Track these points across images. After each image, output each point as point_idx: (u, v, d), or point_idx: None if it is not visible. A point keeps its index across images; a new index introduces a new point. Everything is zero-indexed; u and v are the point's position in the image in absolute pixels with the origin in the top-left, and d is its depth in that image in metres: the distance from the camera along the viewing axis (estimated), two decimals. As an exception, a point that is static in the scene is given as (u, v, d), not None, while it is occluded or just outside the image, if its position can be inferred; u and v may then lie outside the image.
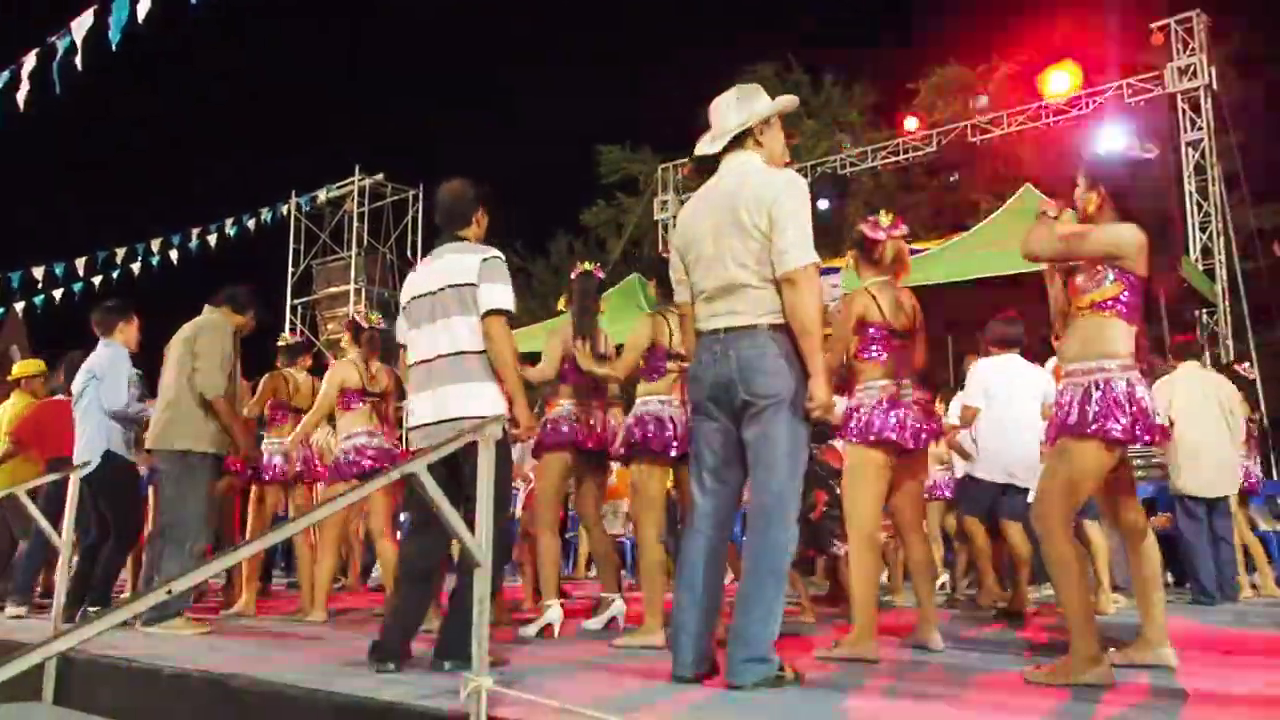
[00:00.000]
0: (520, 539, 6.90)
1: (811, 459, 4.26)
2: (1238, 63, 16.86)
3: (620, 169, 22.22)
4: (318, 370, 6.65)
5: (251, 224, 17.41)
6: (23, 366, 7.31)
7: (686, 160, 17.22)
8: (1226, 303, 12.13)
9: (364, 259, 18.17)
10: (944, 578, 7.68)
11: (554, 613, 4.66)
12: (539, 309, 19.13)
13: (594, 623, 4.94)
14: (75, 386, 5.74)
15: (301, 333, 17.96)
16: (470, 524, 2.63)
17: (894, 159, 15.55)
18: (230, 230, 16.99)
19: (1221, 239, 12.23)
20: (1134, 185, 3.35)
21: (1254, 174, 14.48)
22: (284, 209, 18.47)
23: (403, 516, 10.71)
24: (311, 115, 30.92)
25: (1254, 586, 7.45)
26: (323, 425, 6.85)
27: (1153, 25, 12.83)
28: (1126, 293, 3.27)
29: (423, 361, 3.71)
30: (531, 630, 4.63)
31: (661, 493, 4.37)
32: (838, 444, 5.22)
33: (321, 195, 18.92)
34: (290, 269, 19.23)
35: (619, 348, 4.80)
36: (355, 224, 18.49)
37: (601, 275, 5.16)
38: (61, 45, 7.22)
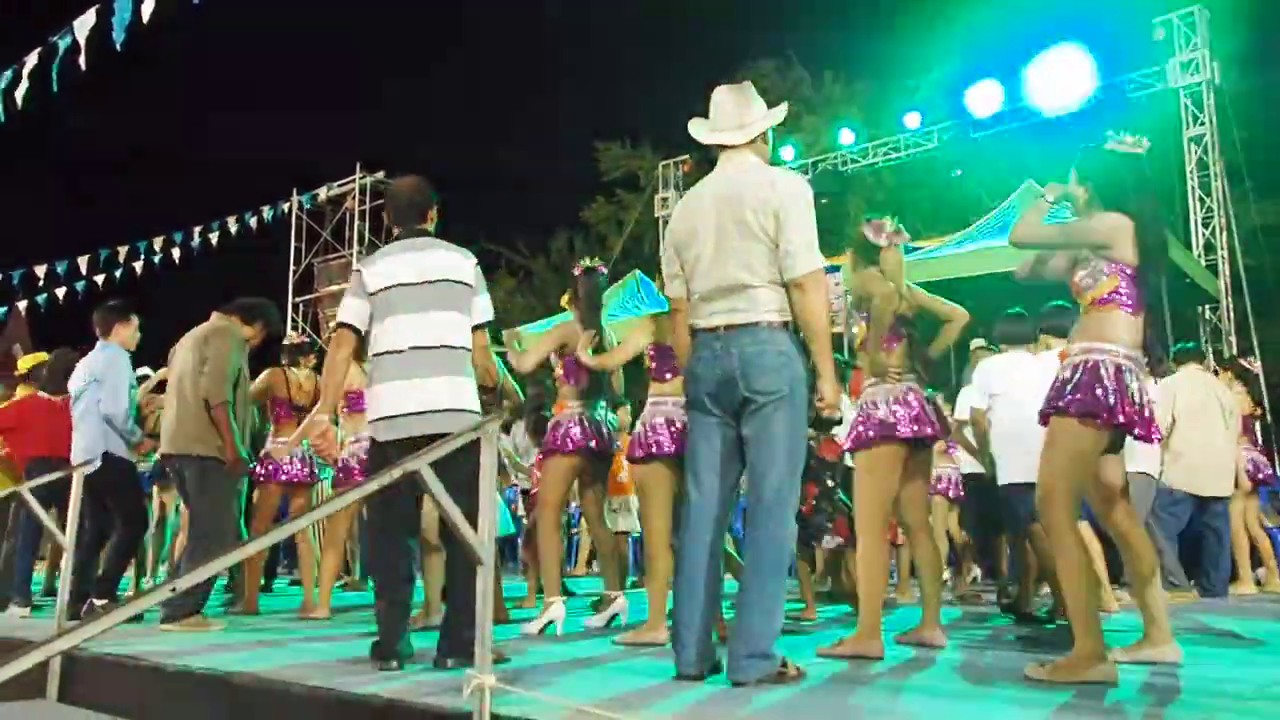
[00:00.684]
0: (525, 536, 6.90)
1: (807, 451, 4.26)
2: (1240, 57, 16.86)
3: (621, 166, 22.25)
4: (318, 369, 6.64)
5: (253, 222, 17.44)
6: (29, 362, 7.30)
7: (686, 157, 17.23)
8: (1229, 298, 12.13)
9: (365, 257, 18.18)
10: (945, 575, 7.67)
11: (556, 610, 4.66)
12: (539, 306, 19.15)
13: (597, 620, 4.94)
14: (73, 388, 5.73)
15: (304, 331, 17.98)
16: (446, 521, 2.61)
17: (895, 155, 15.55)
18: (232, 228, 17.02)
19: (1224, 234, 12.23)
20: (1122, 180, 3.35)
21: (1257, 169, 14.48)
22: (285, 207, 18.50)
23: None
24: (313, 113, 30.94)
25: (1258, 582, 7.45)
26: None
27: (1155, 20, 12.81)
28: (1124, 284, 3.27)
29: (400, 351, 3.62)
30: (534, 627, 4.63)
31: (671, 492, 4.36)
32: (838, 435, 5.21)
33: (323, 193, 18.97)
34: (292, 267, 19.28)
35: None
36: (356, 222, 18.52)
37: (605, 271, 5.15)
38: (63, 44, 7.22)
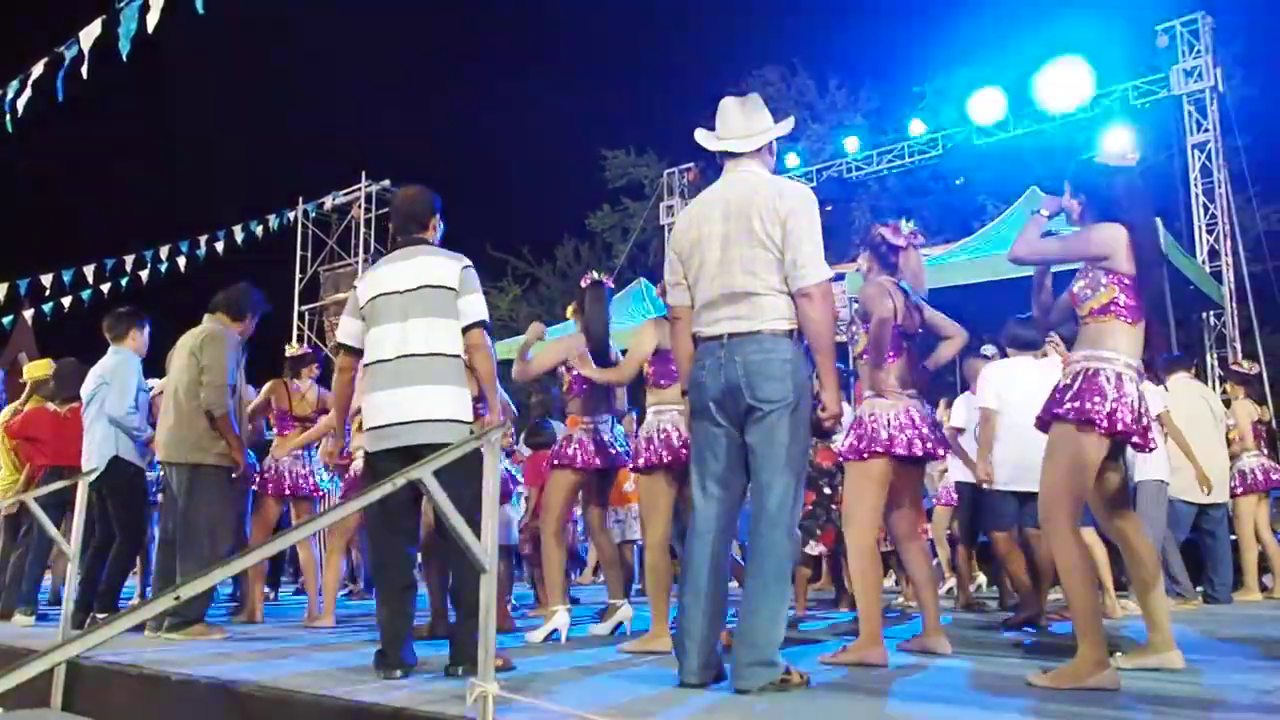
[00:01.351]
0: (530, 544, 6.89)
1: None
2: (1243, 64, 16.85)
3: (626, 174, 22.27)
4: (325, 379, 6.64)
5: (259, 230, 17.49)
6: (36, 368, 7.32)
7: (692, 165, 17.25)
8: (1234, 305, 12.11)
9: (371, 265, 18.20)
10: (951, 583, 7.66)
11: (561, 618, 4.67)
12: (545, 314, 19.15)
13: (601, 628, 4.94)
14: (85, 392, 5.76)
15: (309, 339, 18.01)
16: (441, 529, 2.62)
17: (899, 162, 15.56)
18: (238, 236, 17.07)
19: (1228, 241, 12.21)
20: (1114, 192, 3.36)
21: (1260, 176, 14.47)
22: (291, 215, 18.55)
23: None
24: (318, 121, 31.06)
25: (1265, 589, 7.42)
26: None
27: (1158, 27, 12.82)
28: (1122, 294, 3.28)
29: (386, 360, 3.63)
30: (538, 635, 4.63)
31: (670, 501, 4.36)
32: (835, 442, 5.21)
33: (328, 201, 19.00)
34: (298, 275, 19.30)
35: (624, 352, 4.80)
36: (362, 230, 18.56)
37: (611, 285, 5.16)
38: (69, 54, 7.26)
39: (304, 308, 19.24)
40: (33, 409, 6.81)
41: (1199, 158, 12.43)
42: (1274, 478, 7.33)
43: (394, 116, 35.96)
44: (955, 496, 6.92)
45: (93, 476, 4.94)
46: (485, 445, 2.69)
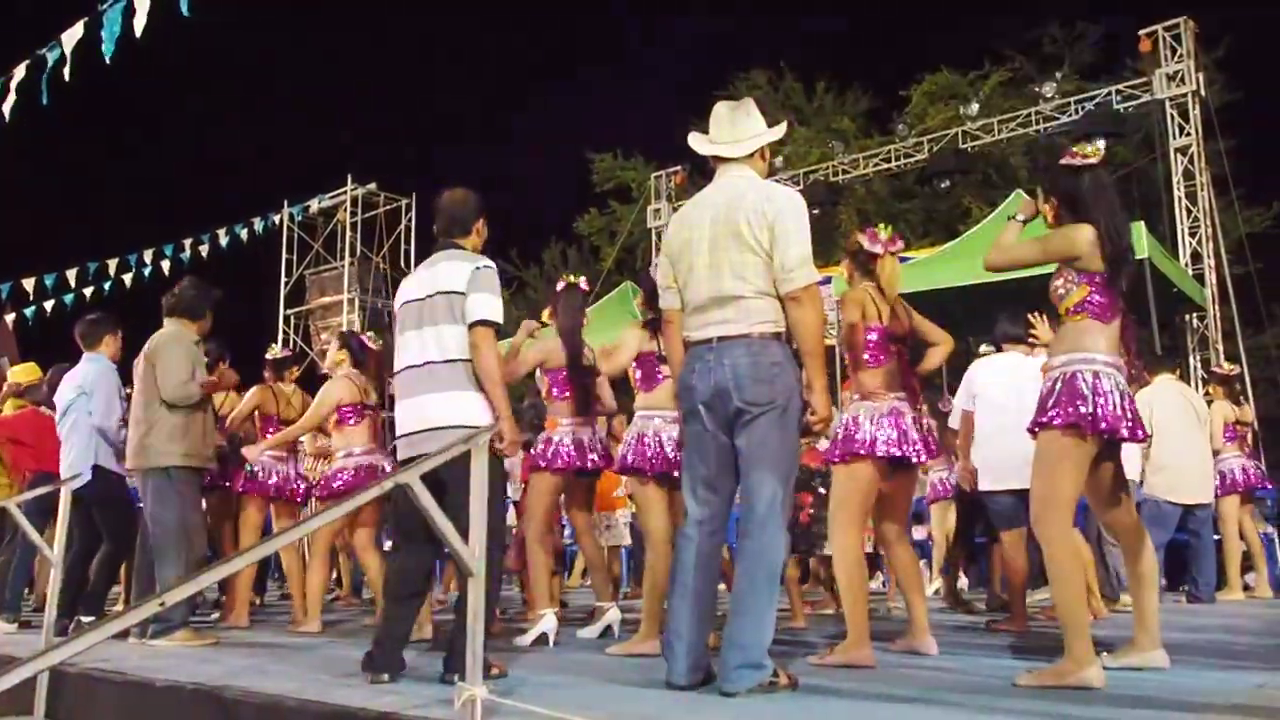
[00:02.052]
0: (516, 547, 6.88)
1: None
2: (1225, 68, 16.98)
3: (613, 177, 22.26)
4: (307, 383, 6.61)
5: (244, 234, 17.41)
6: (21, 372, 7.26)
7: (679, 168, 17.27)
8: (1216, 307, 12.19)
9: (357, 269, 18.14)
10: (937, 584, 7.68)
11: (548, 622, 4.66)
12: (532, 318, 19.12)
13: (589, 631, 4.93)
14: (62, 401, 5.69)
15: (295, 343, 17.93)
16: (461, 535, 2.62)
17: (886, 166, 15.61)
18: (223, 240, 16.99)
19: (1211, 244, 12.29)
20: (1081, 190, 3.38)
21: (1242, 179, 14.58)
22: (276, 219, 18.47)
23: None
24: (304, 125, 30.96)
25: (1247, 588, 7.48)
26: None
27: (1141, 32, 12.91)
28: (1094, 293, 3.31)
29: (408, 368, 3.62)
30: (526, 639, 4.62)
31: (666, 503, 4.36)
32: (820, 445, 5.23)
33: (314, 205, 18.91)
34: (283, 279, 19.20)
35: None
36: (348, 234, 18.48)
37: (586, 288, 5.16)
38: (51, 57, 7.22)
39: (289, 311, 19.14)
40: (25, 412, 6.76)
41: (1182, 161, 12.51)
42: (1253, 478, 7.38)
43: (380, 120, 35.92)
44: (947, 488, 6.95)
45: (76, 483, 4.91)
46: (473, 448, 2.69)
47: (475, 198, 3.82)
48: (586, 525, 5.17)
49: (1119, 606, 5.84)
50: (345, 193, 18.58)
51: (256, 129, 29.95)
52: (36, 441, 6.39)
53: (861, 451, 3.89)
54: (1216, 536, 7.30)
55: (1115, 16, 16.95)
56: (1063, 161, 3.48)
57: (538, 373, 5.11)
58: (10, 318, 14.89)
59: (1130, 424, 3.25)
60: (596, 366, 4.96)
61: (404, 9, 33.08)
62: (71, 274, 15.10)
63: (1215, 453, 7.20)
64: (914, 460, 3.99)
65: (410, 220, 18.78)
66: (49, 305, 14.93)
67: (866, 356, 4.03)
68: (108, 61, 6.78)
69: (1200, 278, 12.17)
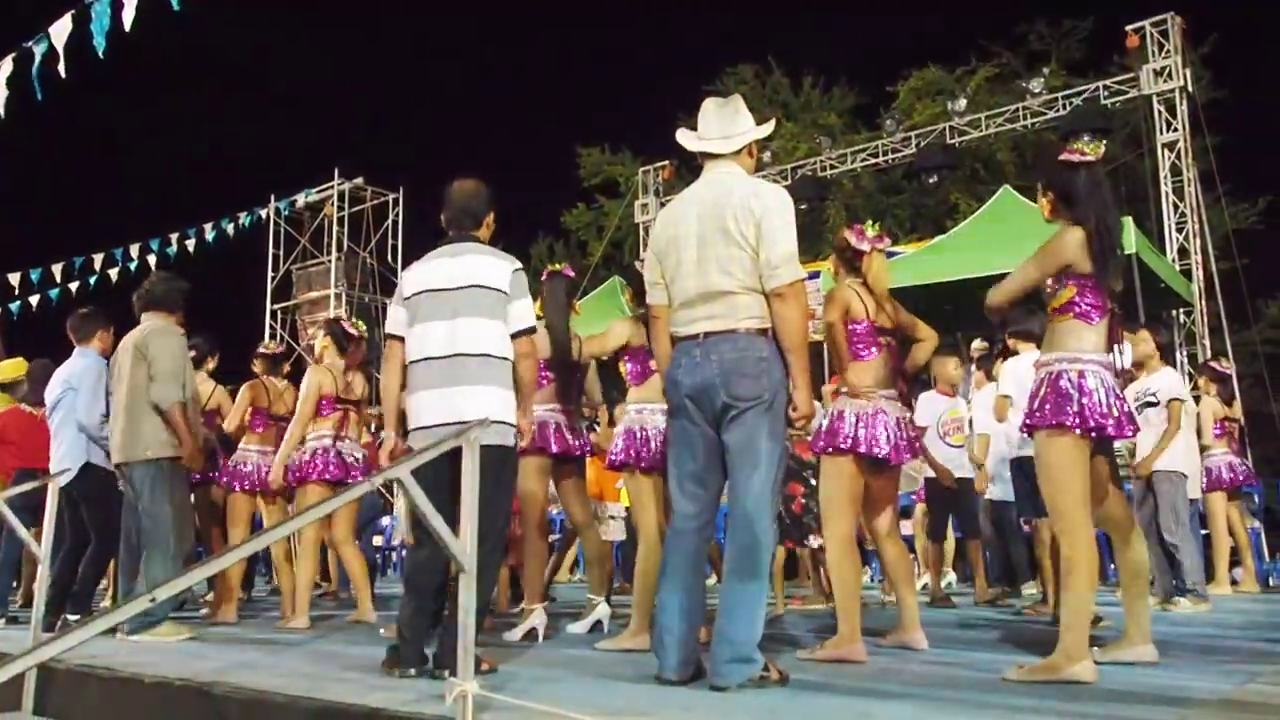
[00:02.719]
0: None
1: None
2: (1212, 64, 17.06)
3: (601, 172, 22.22)
4: (294, 379, 6.58)
5: (230, 229, 17.33)
6: (8, 368, 7.21)
7: (666, 163, 17.26)
8: (1203, 302, 12.25)
9: (344, 263, 18.08)
10: (925, 579, 7.70)
11: (538, 617, 4.65)
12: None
13: (579, 626, 4.93)
14: (50, 396, 5.66)
15: (282, 338, 17.86)
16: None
17: (873, 161, 15.63)
18: (209, 235, 16.91)
19: (1198, 239, 12.35)
20: (1076, 187, 3.40)
21: (1229, 174, 14.64)
22: (263, 213, 18.38)
23: (386, 520, 10.69)
24: (290, 119, 30.79)
25: (1234, 582, 7.53)
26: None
27: (1128, 28, 12.95)
28: (1080, 294, 3.33)
29: (433, 359, 3.54)
30: (515, 634, 4.61)
31: (658, 498, 4.36)
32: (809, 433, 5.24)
33: (301, 199, 18.83)
34: (270, 274, 19.13)
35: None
36: (335, 228, 18.41)
37: (572, 274, 5.16)
38: (39, 51, 7.15)
39: (276, 306, 19.07)
40: (9, 409, 6.71)
41: (1169, 157, 12.56)
42: (1240, 475, 7.42)
43: (367, 114, 35.78)
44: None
45: (64, 479, 4.88)
46: (464, 443, 2.68)
47: (486, 189, 3.80)
48: (588, 519, 5.15)
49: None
50: (332, 187, 18.51)
51: (243, 123, 29.78)
52: (20, 439, 6.36)
53: (844, 446, 3.91)
54: (1205, 532, 7.34)
55: (1102, 12, 17.02)
56: (1062, 157, 3.50)
57: None
58: (-5, 313, 14.81)
59: (1118, 421, 3.27)
60: (585, 359, 4.96)
61: (391, 3, 32.98)
62: (57, 269, 15.01)
63: (1204, 448, 7.23)
64: (892, 462, 4.01)
65: (397, 215, 18.72)
66: (34, 300, 14.83)
67: (860, 348, 4.04)
68: (101, 56, 6.73)
69: (1187, 273, 12.23)
